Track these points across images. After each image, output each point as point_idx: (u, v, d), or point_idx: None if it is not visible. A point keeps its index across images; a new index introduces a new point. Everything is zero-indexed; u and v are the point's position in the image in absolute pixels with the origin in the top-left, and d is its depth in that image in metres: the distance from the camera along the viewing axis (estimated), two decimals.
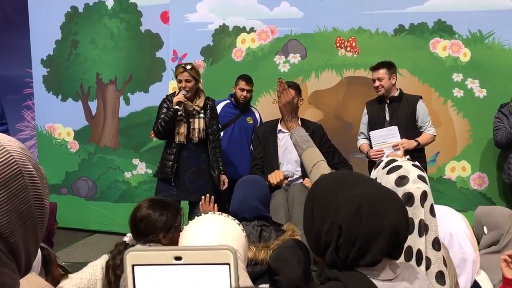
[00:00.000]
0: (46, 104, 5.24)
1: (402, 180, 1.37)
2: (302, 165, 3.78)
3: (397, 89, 3.84)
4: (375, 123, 3.81)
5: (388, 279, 1.09)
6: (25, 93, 5.72)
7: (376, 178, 1.44)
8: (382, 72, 3.75)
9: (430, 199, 1.37)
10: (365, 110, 3.95)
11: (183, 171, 3.72)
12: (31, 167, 0.67)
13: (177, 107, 3.59)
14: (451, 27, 4.34)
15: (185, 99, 3.61)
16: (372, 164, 3.80)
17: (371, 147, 3.81)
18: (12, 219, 0.63)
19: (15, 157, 0.65)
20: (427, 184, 1.38)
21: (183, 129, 3.65)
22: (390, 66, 3.78)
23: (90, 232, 5.08)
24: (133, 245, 1.96)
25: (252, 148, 4.20)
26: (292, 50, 4.60)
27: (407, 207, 1.33)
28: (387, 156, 1.57)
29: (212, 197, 2.81)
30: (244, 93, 4.08)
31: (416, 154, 3.61)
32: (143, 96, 4.98)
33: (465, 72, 4.32)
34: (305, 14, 4.55)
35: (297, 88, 3.80)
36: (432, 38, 4.37)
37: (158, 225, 1.95)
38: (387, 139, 3.67)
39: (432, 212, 1.36)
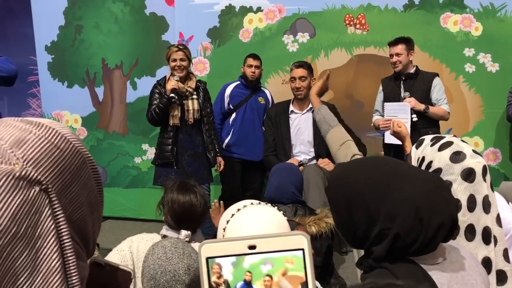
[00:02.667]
0: (52, 91, 5.18)
1: (457, 156, 1.35)
2: (315, 146, 3.76)
3: (414, 66, 3.79)
4: (390, 100, 3.75)
5: (437, 263, 1.05)
6: (29, 80, 5.67)
7: (423, 157, 1.41)
8: (400, 48, 3.69)
9: (489, 174, 1.35)
10: (381, 87, 3.90)
11: (180, 154, 3.69)
12: (88, 153, 0.64)
13: (172, 94, 3.55)
14: (462, 1, 4.26)
15: (178, 85, 3.58)
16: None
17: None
18: (85, 211, 0.61)
19: (76, 145, 0.62)
20: (483, 158, 1.37)
21: (177, 111, 3.62)
22: (408, 42, 3.72)
23: (103, 219, 5.07)
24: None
25: (264, 129, 4.18)
26: (301, 29, 4.53)
27: (467, 183, 1.31)
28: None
29: (221, 202, 2.77)
30: (252, 69, 4.03)
31: (431, 131, 3.58)
32: (150, 81, 4.87)
33: (477, 47, 4.26)
34: None
35: (309, 68, 3.77)
36: (443, 13, 4.30)
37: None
38: (398, 114, 3.62)
39: (492, 187, 1.35)
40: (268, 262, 0.62)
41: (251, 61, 4.04)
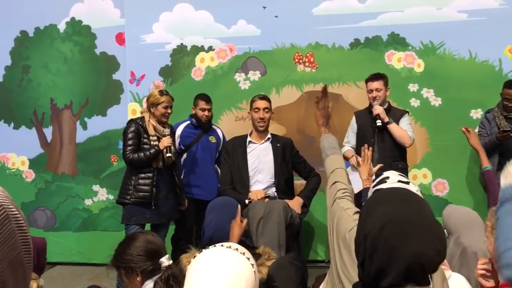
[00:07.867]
0: None
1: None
2: (275, 175, 3.76)
3: (387, 102, 3.95)
4: (366, 133, 3.88)
5: None
6: None
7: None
8: (380, 83, 3.85)
9: None
10: (354, 119, 4.00)
11: (156, 195, 3.69)
12: (15, 209, 0.62)
13: (169, 154, 3.64)
14: (404, 39, 4.47)
15: (170, 143, 3.67)
16: None
17: (358, 154, 3.81)
18: (3, 268, 0.57)
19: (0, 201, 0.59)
20: None
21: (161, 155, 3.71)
22: (385, 78, 3.90)
23: (51, 265, 4.84)
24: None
25: (216, 167, 4.15)
26: (252, 67, 4.61)
27: None
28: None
29: None
30: (206, 112, 4.05)
31: (400, 164, 3.77)
32: (101, 120, 4.85)
33: (420, 82, 4.45)
34: (263, 31, 4.59)
35: (269, 101, 3.86)
36: (387, 51, 4.49)
37: None
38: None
39: None
40: None
41: (204, 104, 4.04)
